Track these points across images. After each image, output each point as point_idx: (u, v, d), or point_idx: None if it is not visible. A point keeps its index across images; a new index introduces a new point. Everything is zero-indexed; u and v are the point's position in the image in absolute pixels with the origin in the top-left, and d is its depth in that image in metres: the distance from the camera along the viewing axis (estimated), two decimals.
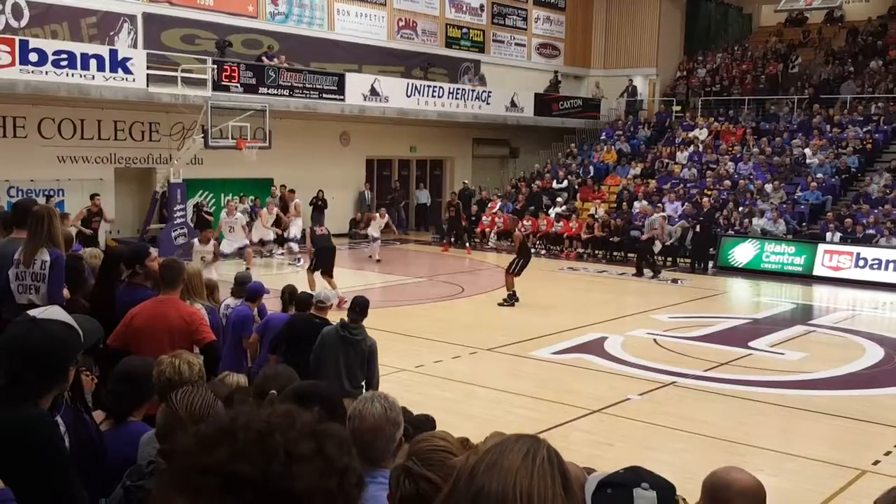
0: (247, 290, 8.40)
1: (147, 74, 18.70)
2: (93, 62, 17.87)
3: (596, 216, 23.38)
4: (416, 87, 25.01)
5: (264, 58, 22.00)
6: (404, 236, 26.39)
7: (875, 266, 19.15)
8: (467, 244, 23.63)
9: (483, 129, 29.11)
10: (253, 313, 8.19)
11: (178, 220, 20.33)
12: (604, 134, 29.75)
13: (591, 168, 27.31)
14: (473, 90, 26.91)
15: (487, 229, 24.51)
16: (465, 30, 28.90)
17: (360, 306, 7.18)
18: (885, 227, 19.66)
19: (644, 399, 9.86)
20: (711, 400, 9.97)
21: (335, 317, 7.83)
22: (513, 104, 27.98)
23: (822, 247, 19.96)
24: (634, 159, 27.36)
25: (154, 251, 6.09)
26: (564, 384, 10.56)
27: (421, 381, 10.32)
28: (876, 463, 7.95)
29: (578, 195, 25.80)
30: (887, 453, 8.23)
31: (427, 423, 4.76)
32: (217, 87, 19.95)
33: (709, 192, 23.41)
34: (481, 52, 29.41)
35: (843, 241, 20.02)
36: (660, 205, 22.63)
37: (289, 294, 8.73)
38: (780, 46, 31.20)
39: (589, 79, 33.04)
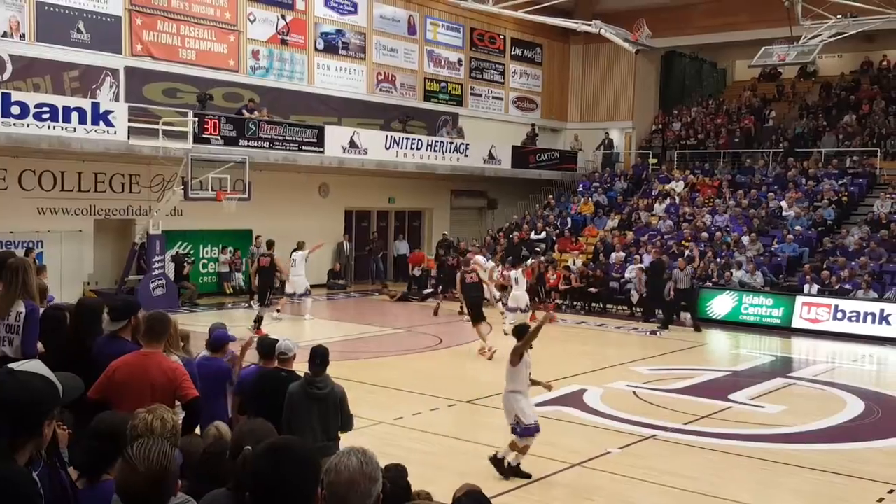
0: (210, 339, 7.60)
1: (128, 127, 18.75)
2: (74, 115, 17.91)
3: (571, 267, 23.42)
4: (394, 139, 25.23)
5: (245, 111, 22.15)
6: (382, 287, 26.32)
7: (853, 318, 19.30)
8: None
9: (461, 181, 29.33)
10: (226, 365, 7.45)
11: (157, 272, 20.23)
12: (581, 186, 30.06)
13: (569, 219, 27.53)
14: (452, 142, 27.17)
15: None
16: (443, 83, 29.29)
17: (320, 357, 6.91)
18: (863, 280, 19.87)
19: (624, 452, 9.80)
20: (692, 453, 9.93)
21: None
22: (490, 156, 28.26)
23: (800, 299, 20.13)
24: (612, 211, 27.63)
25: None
26: (544, 437, 10.44)
27: (399, 434, 10.22)
28: None
29: (556, 246, 25.95)
30: None
31: (399, 474, 4.66)
32: (198, 139, 20.03)
33: (686, 244, 23.65)
34: (459, 106, 29.79)
35: (820, 293, 20.20)
36: (637, 256, 22.80)
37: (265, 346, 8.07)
38: (755, 101, 31.83)
39: (566, 131, 33.49)
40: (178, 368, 5.23)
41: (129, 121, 18.84)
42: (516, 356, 8.80)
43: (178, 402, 4.94)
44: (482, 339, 15.69)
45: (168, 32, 21.82)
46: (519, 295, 18.74)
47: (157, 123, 19.35)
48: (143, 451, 2.89)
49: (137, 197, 21.50)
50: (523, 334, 8.95)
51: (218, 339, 7.53)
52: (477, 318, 16.09)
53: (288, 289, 19.84)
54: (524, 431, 8.72)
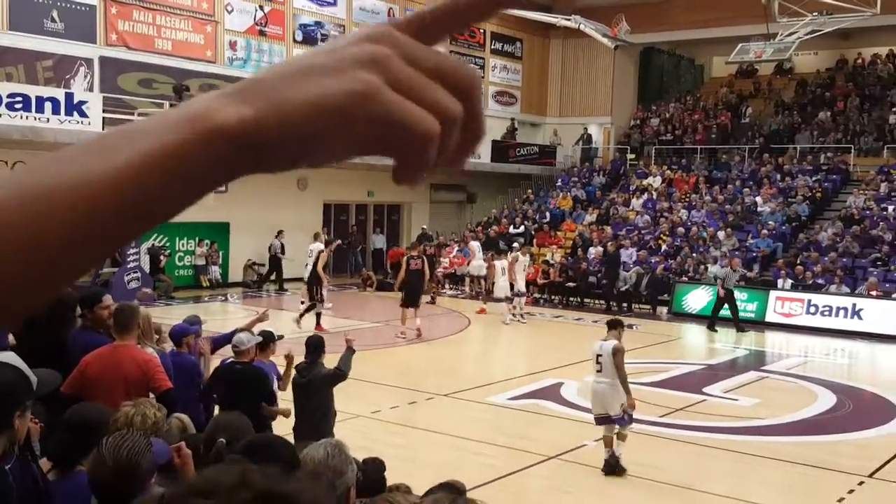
0: (170, 333, 7.31)
1: (103, 118, 18.56)
2: (48, 105, 17.70)
3: (551, 262, 23.57)
4: None
5: None
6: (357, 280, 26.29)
7: (826, 313, 19.51)
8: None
9: (440, 175, 29.08)
10: (193, 360, 7.24)
11: (132, 265, 20.06)
12: (560, 180, 30.14)
13: (548, 214, 27.60)
14: None
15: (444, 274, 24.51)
16: None
17: (312, 346, 7.32)
18: (835, 275, 20.09)
19: (600, 445, 9.85)
20: (666, 446, 10.01)
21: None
22: None
23: (773, 293, 20.31)
24: (590, 206, 27.74)
25: (108, 297, 5.98)
26: (521, 430, 10.53)
27: (377, 427, 10.22)
28: None
29: (535, 240, 26.01)
30: (840, 500, 8.32)
31: (376, 468, 4.66)
32: None
33: (664, 238, 23.82)
34: None
35: (794, 288, 20.40)
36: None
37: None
38: (732, 97, 32.05)
39: (545, 126, 33.56)
40: (152, 360, 5.20)
41: (104, 112, 18.65)
42: (623, 354, 8.83)
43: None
44: (402, 322, 16.64)
45: (144, 22, 21.62)
46: (504, 285, 19.60)
47: (133, 114, 19.17)
48: (114, 445, 2.88)
49: None
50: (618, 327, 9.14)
51: (175, 334, 7.38)
52: (407, 302, 16.90)
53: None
54: (631, 419, 8.78)
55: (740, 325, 18.98)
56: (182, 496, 1.06)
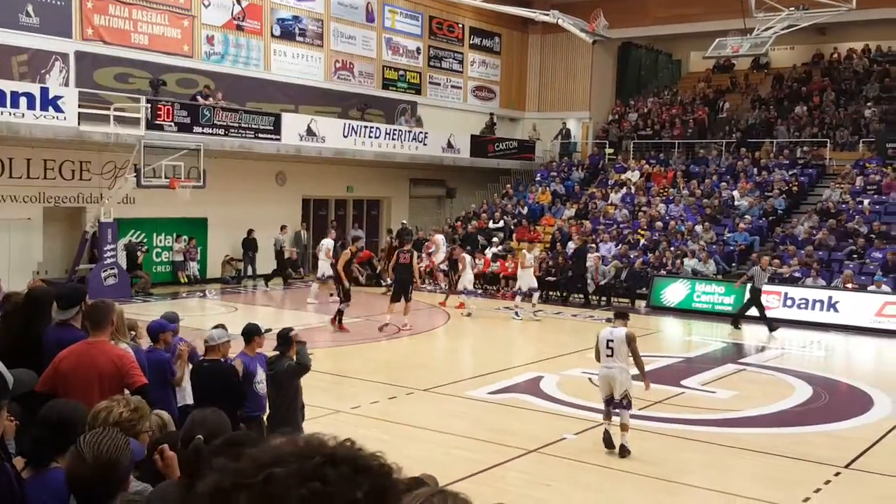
0: (147, 329, 7.44)
1: (79, 113, 18.37)
2: (23, 100, 17.49)
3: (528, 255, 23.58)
4: (352, 127, 25.08)
5: (199, 97, 21.83)
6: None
7: (802, 306, 19.68)
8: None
9: (420, 170, 29.28)
10: (165, 356, 7.25)
11: (109, 261, 19.90)
12: (539, 175, 30.21)
13: (527, 208, 27.66)
14: (410, 131, 27.10)
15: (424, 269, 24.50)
16: (401, 72, 29.18)
17: (280, 338, 7.52)
18: (812, 268, 20.27)
19: (580, 438, 9.91)
20: (645, 438, 10.05)
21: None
22: (449, 145, 28.24)
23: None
24: (569, 200, 27.82)
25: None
26: (501, 424, 10.56)
27: (357, 423, 10.20)
28: (806, 500, 8.11)
29: (514, 235, 26.06)
30: (817, 490, 8.40)
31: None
32: (151, 125, 19.70)
33: (642, 233, 23.95)
34: (418, 94, 29.71)
35: (771, 281, 20.56)
36: (593, 245, 23.01)
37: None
38: (709, 92, 32.23)
39: (524, 121, 33.62)
40: (126, 356, 5.16)
41: (80, 106, 18.46)
42: (636, 341, 9.41)
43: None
44: (389, 313, 17.00)
45: (120, 16, 21.42)
46: (470, 278, 20.50)
47: (109, 109, 19.01)
48: (93, 442, 2.85)
49: (88, 184, 21.10)
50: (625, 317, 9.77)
51: (152, 330, 7.40)
52: (397, 296, 17.29)
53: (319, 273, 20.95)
54: (630, 405, 9.28)
55: (771, 323, 18.22)
56: (266, 464, 1.10)
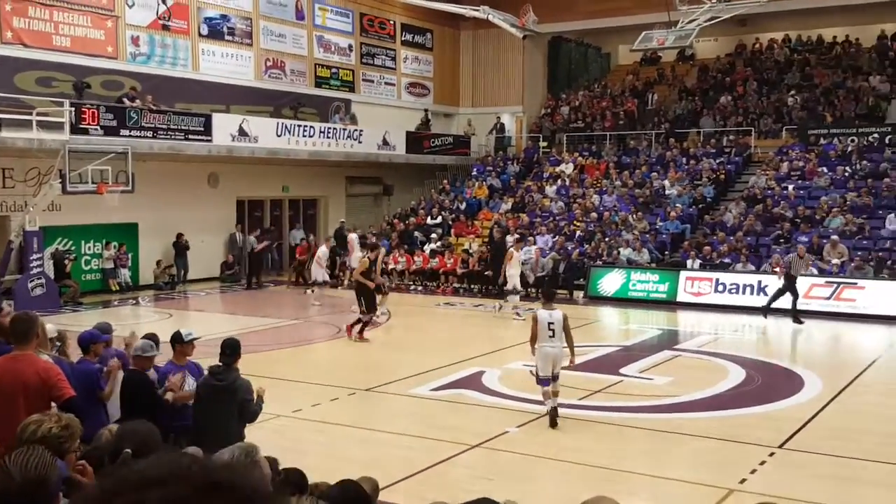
0: (78, 340, 7.24)
1: (0, 119, 17.81)
2: None
3: (470, 251, 23.75)
4: (286, 126, 24.81)
5: (126, 99, 21.34)
6: (278, 278, 25.98)
7: (733, 291, 20.18)
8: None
9: (356, 168, 29.14)
10: (94, 367, 7.02)
11: (35, 270, 19.34)
12: (475, 170, 30.33)
13: (465, 204, 27.76)
14: (345, 129, 26.92)
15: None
16: (334, 69, 28.97)
17: (228, 349, 6.92)
18: (741, 254, 20.79)
19: (522, 431, 9.99)
20: (587, 428, 10.19)
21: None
22: (385, 142, 28.16)
23: (683, 274, 20.90)
24: (505, 194, 28.01)
25: (7, 305, 5.76)
26: (444, 420, 10.58)
27: (298, 427, 10.12)
28: (743, 481, 8.30)
29: (452, 230, 26.13)
30: (753, 471, 8.61)
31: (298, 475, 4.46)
32: (75, 130, 19.19)
33: (578, 224, 24.25)
34: (351, 92, 29.54)
35: (702, 267, 21.04)
36: (531, 238, 23.21)
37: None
38: (637, 84, 32.76)
39: (459, 116, 33.70)
40: (52, 368, 5.04)
41: (0, 112, 17.89)
42: (568, 320, 10.30)
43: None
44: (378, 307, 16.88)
45: (40, 19, 20.80)
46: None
47: (31, 114, 18.46)
48: (20, 459, 2.77)
49: (11, 192, 20.46)
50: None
51: (83, 340, 7.23)
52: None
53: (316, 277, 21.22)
54: (558, 376, 10.19)
55: (797, 316, 17.82)
56: (135, 485, 1.03)
